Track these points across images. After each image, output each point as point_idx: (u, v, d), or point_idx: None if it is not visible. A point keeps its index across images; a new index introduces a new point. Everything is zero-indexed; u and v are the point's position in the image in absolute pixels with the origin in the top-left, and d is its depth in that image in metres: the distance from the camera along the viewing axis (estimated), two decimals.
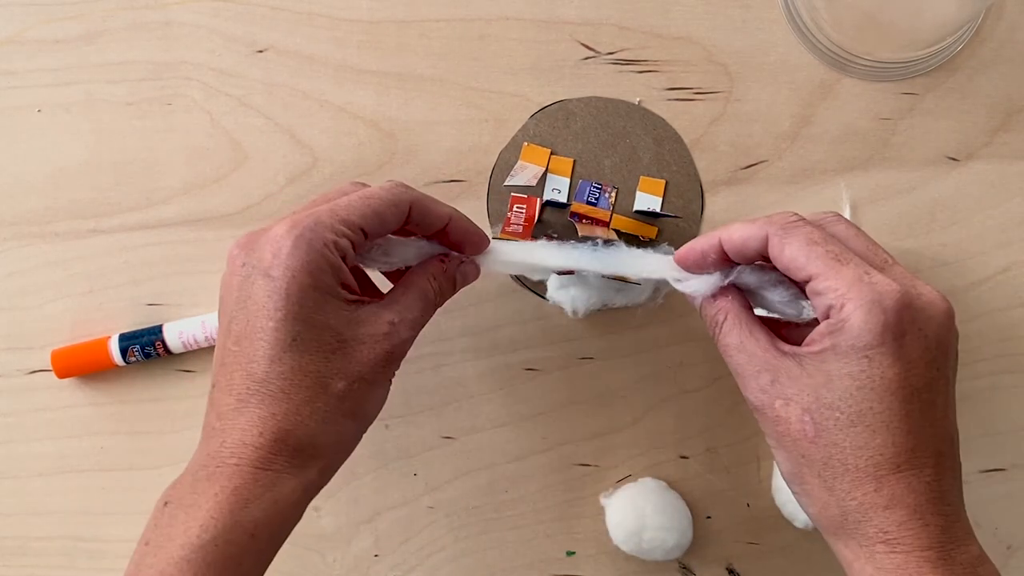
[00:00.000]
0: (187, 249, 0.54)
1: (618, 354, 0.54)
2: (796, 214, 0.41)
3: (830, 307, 0.39)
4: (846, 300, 0.38)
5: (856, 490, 0.38)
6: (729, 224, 0.43)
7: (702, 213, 0.54)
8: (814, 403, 0.39)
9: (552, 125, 0.54)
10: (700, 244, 0.44)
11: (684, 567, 0.54)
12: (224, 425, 0.40)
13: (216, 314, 0.53)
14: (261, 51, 0.54)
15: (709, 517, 0.55)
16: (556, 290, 0.53)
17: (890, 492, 0.37)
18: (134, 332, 0.53)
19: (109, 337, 0.53)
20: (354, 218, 0.42)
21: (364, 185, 0.45)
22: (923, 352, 0.38)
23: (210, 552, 0.37)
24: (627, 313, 0.54)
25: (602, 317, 0.54)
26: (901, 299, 0.38)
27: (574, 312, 0.53)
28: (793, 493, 0.41)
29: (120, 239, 0.54)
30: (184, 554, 0.37)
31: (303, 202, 0.54)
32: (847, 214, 0.54)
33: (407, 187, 0.44)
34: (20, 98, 0.54)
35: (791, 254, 0.40)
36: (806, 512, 0.41)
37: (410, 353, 0.54)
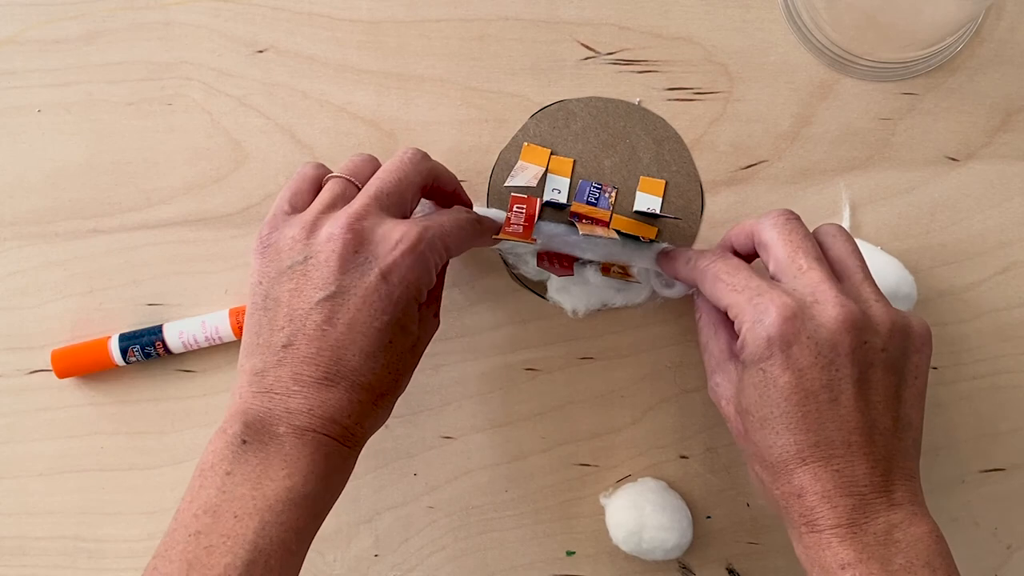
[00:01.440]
0: (187, 249, 0.54)
1: (618, 354, 0.54)
2: (718, 253, 0.48)
3: (737, 329, 0.44)
4: (742, 321, 0.43)
5: (775, 482, 0.43)
6: (679, 254, 0.50)
7: (702, 213, 0.54)
8: (739, 406, 0.44)
9: (552, 125, 0.54)
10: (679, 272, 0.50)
11: (684, 567, 0.54)
12: (307, 393, 0.42)
13: (215, 314, 0.53)
14: (261, 51, 0.54)
15: (709, 517, 0.55)
16: (556, 290, 0.53)
17: (799, 483, 0.42)
18: (134, 332, 0.53)
19: (109, 337, 0.53)
20: (453, 250, 0.46)
21: (429, 159, 0.48)
22: (815, 357, 0.42)
23: (312, 502, 0.41)
24: (627, 313, 0.54)
25: (602, 317, 0.54)
26: (784, 313, 0.42)
27: (574, 312, 0.53)
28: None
29: (120, 239, 0.54)
30: (290, 496, 0.40)
31: None
32: (847, 214, 0.54)
33: (479, 218, 0.49)
34: (20, 98, 0.54)
35: (708, 292, 0.46)
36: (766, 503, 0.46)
37: None
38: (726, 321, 0.47)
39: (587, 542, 0.54)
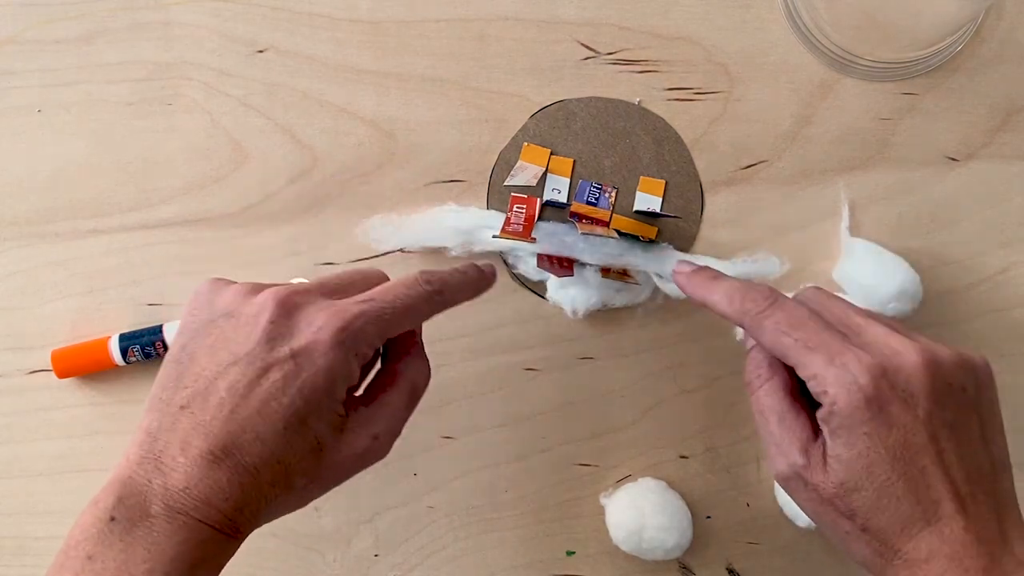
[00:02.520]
0: (187, 249, 0.54)
1: (618, 354, 0.54)
2: (767, 294, 0.43)
3: (819, 395, 0.40)
4: (826, 386, 0.40)
5: (899, 551, 0.39)
6: (713, 285, 0.45)
7: (702, 213, 0.54)
8: (839, 487, 0.40)
9: (552, 125, 0.54)
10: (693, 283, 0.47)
11: (684, 567, 0.54)
12: (189, 469, 0.39)
13: None
14: (261, 51, 0.54)
15: (709, 517, 0.55)
16: (556, 290, 0.53)
17: (927, 547, 0.39)
18: (134, 332, 0.53)
19: (109, 337, 0.53)
20: (390, 333, 0.42)
21: (431, 283, 0.44)
22: (914, 413, 0.39)
23: None
24: (627, 313, 0.54)
25: (602, 317, 0.54)
26: (874, 371, 0.39)
27: (574, 312, 0.53)
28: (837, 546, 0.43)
29: (120, 239, 0.54)
30: None
31: (303, 202, 0.54)
32: (846, 214, 0.54)
33: (439, 290, 0.44)
34: (20, 98, 0.54)
35: (769, 346, 0.42)
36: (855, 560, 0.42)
37: None
38: (800, 396, 0.43)
39: (587, 542, 0.54)
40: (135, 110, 0.54)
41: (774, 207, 0.54)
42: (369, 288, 0.43)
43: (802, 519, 0.53)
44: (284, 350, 0.40)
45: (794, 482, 0.42)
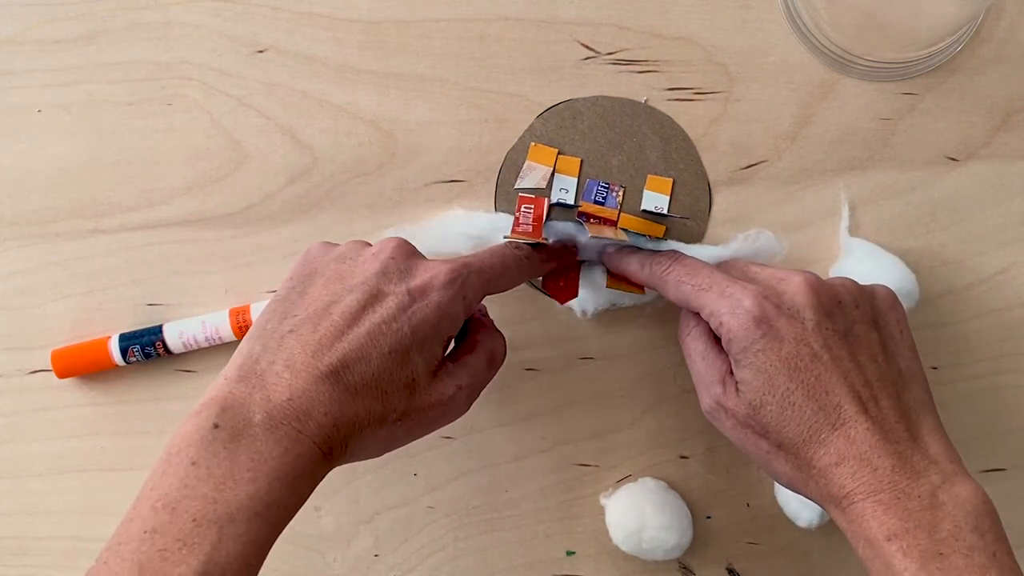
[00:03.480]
0: (187, 249, 0.54)
1: (618, 354, 0.54)
2: (670, 255, 0.49)
3: (716, 329, 0.44)
4: (720, 317, 0.44)
5: (811, 460, 0.42)
6: (629, 257, 0.51)
7: (710, 211, 0.54)
8: (749, 407, 0.43)
9: (559, 125, 0.54)
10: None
11: (684, 567, 0.54)
12: (293, 382, 0.40)
13: (215, 314, 0.53)
14: (261, 51, 0.54)
15: (709, 517, 0.55)
16: None
17: (835, 451, 0.41)
18: (134, 332, 0.53)
19: (109, 337, 0.53)
20: (491, 289, 0.46)
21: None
22: (801, 324, 0.43)
23: (274, 512, 0.39)
24: (627, 313, 0.54)
25: (602, 317, 0.54)
26: (758, 295, 0.43)
27: (583, 312, 0.53)
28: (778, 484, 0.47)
29: (120, 239, 0.54)
30: (252, 505, 0.38)
31: (303, 202, 0.54)
32: (846, 214, 0.54)
33: (529, 255, 0.49)
34: (20, 98, 0.54)
35: (674, 298, 0.47)
36: (805, 496, 0.44)
37: None
38: (716, 346, 0.46)
39: (587, 542, 0.54)
40: (135, 110, 0.54)
41: (774, 207, 0.54)
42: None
43: (802, 519, 0.53)
44: (401, 283, 0.43)
45: (717, 412, 0.45)
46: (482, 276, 0.45)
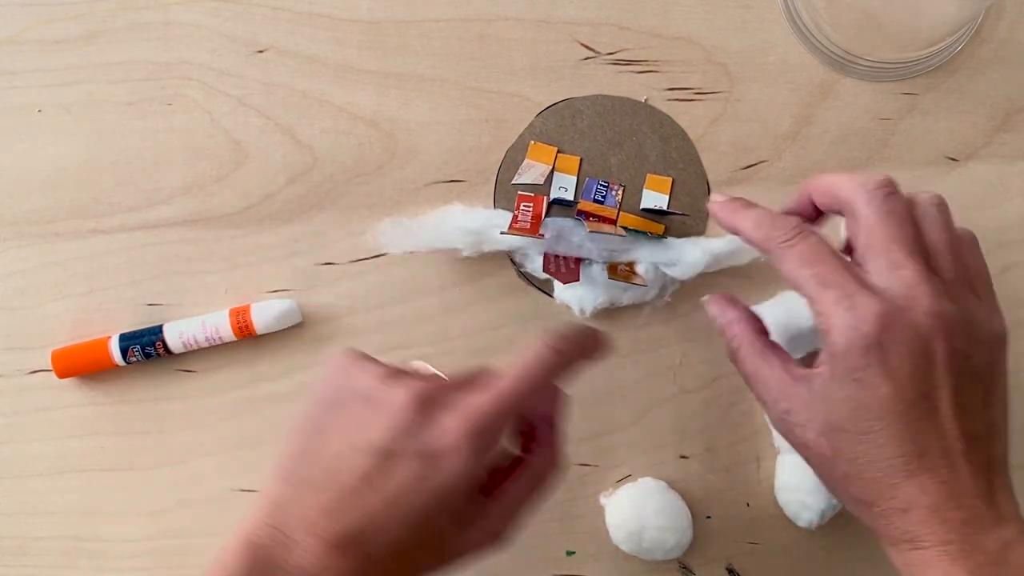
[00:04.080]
0: (187, 249, 0.54)
1: (618, 354, 0.54)
2: (795, 223, 0.42)
3: (822, 332, 0.40)
4: (831, 326, 0.40)
5: (878, 499, 0.40)
6: (744, 212, 0.44)
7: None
8: (824, 426, 0.40)
9: (559, 123, 0.54)
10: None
11: (684, 567, 0.54)
12: (316, 545, 0.39)
13: (215, 314, 0.53)
14: (261, 51, 0.54)
15: (709, 517, 0.55)
16: (563, 289, 0.53)
17: (905, 497, 0.39)
18: (134, 332, 0.53)
19: (109, 337, 0.53)
20: (520, 411, 0.42)
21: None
22: (913, 367, 0.39)
23: None
24: (627, 313, 0.54)
25: (602, 317, 0.54)
26: (879, 319, 0.39)
27: (581, 311, 0.53)
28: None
29: (120, 239, 0.54)
30: None
31: (303, 202, 0.54)
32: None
33: (560, 354, 0.43)
34: (20, 98, 0.54)
35: (786, 274, 0.42)
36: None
37: (410, 353, 0.54)
38: (772, 345, 0.44)
39: (587, 542, 0.54)
40: (135, 110, 0.54)
41: (774, 207, 0.54)
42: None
43: (802, 519, 0.53)
44: (419, 448, 0.40)
45: (786, 427, 0.42)
46: (506, 409, 0.41)
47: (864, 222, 0.41)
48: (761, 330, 0.44)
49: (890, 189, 0.41)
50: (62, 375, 0.53)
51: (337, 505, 0.40)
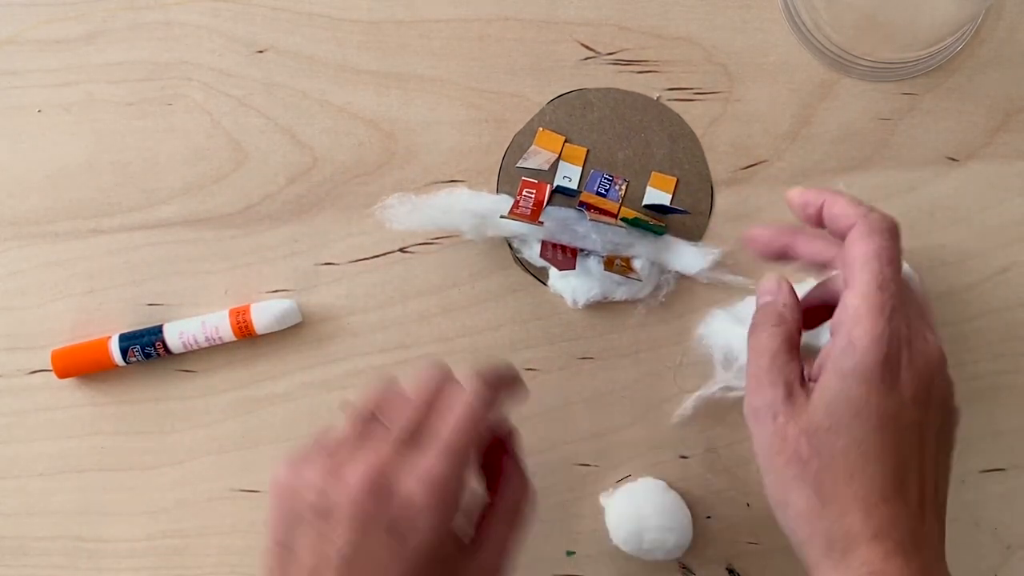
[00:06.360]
0: (187, 249, 0.54)
1: (618, 354, 0.54)
2: (886, 225, 0.42)
3: (845, 321, 0.40)
4: (862, 323, 0.39)
5: (845, 517, 0.39)
6: (838, 194, 0.43)
7: (710, 214, 0.54)
8: (811, 425, 0.40)
9: (569, 113, 0.54)
10: (810, 195, 0.44)
11: (684, 567, 0.54)
12: None
13: (215, 314, 0.53)
14: (261, 51, 0.54)
15: (709, 517, 0.55)
16: (558, 279, 0.53)
17: (877, 523, 0.39)
18: (134, 332, 0.53)
19: (109, 337, 0.53)
20: (469, 457, 0.42)
21: (452, 383, 0.44)
22: (915, 391, 0.40)
23: None
24: (627, 313, 0.54)
25: (602, 316, 0.54)
26: (904, 338, 0.40)
27: (574, 302, 0.53)
28: (778, 519, 0.42)
29: (120, 239, 0.54)
30: None
31: (303, 202, 0.54)
32: None
33: (493, 389, 0.44)
34: (20, 98, 0.54)
35: (857, 253, 0.41)
36: (790, 538, 0.42)
37: (410, 353, 0.54)
38: (794, 355, 0.43)
39: (587, 542, 0.54)
40: (135, 110, 0.54)
41: (774, 207, 0.54)
42: (438, 400, 0.43)
43: None
44: (388, 526, 0.40)
45: (765, 412, 0.41)
46: (461, 456, 0.41)
47: (860, 265, 0.41)
48: (801, 327, 0.44)
49: (893, 240, 0.42)
50: (62, 375, 0.53)
51: None
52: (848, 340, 0.40)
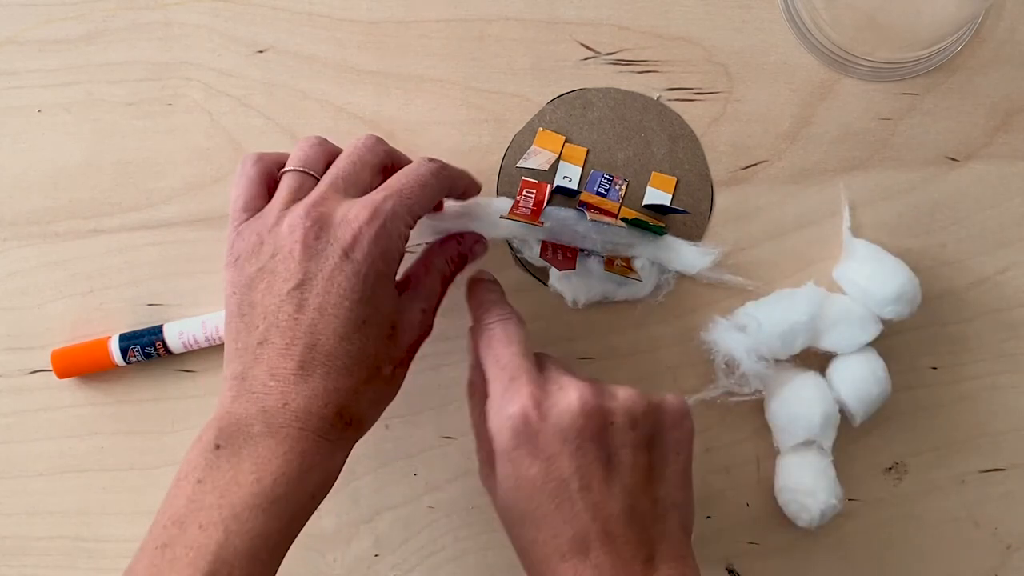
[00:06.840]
0: (187, 249, 0.54)
1: (618, 354, 0.54)
2: (503, 317, 0.46)
3: (486, 411, 0.43)
4: (489, 406, 0.43)
5: (555, 571, 0.41)
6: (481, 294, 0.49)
7: (710, 214, 0.54)
8: (498, 502, 0.43)
9: (569, 113, 0.54)
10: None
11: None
12: (283, 387, 0.41)
13: (215, 314, 0.53)
14: (261, 51, 0.54)
15: (709, 517, 0.55)
16: (558, 278, 0.53)
17: (574, 569, 0.40)
18: (134, 332, 0.53)
19: (109, 337, 0.53)
20: (417, 210, 0.44)
21: (384, 143, 0.47)
22: (562, 444, 0.41)
23: (282, 506, 0.39)
24: (627, 313, 0.54)
25: (602, 316, 0.54)
26: (525, 404, 0.41)
27: (574, 302, 0.53)
28: None
29: (120, 239, 0.54)
30: (257, 502, 0.39)
31: None
32: (846, 214, 0.54)
33: (443, 165, 0.46)
34: (20, 98, 0.54)
35: (480, 356, 0.45)
36: None
37: None
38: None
39: None
40: (135, 110, 0.54)
41: (774, 207, 0.54)
42: (374, 174, 0.45)
43: (802, 519, 0.53)
44: (334, 254, 0.42)
45: (486, 483, 0.45)
46: (405, 200, 0.43)
47: (483, 356, 0.45)
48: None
49: (497, 319, 0.46)
50: (62, 375, 0.53)
51: (291, 343, 0.41)
52: (487, 420, 0.43)
